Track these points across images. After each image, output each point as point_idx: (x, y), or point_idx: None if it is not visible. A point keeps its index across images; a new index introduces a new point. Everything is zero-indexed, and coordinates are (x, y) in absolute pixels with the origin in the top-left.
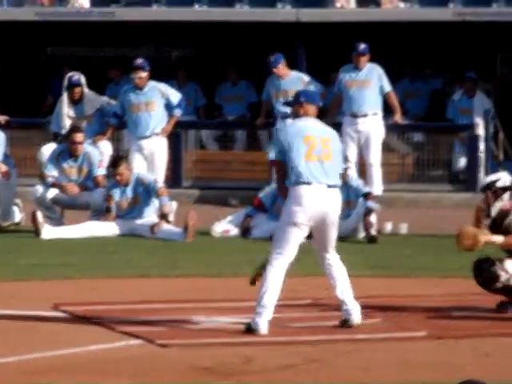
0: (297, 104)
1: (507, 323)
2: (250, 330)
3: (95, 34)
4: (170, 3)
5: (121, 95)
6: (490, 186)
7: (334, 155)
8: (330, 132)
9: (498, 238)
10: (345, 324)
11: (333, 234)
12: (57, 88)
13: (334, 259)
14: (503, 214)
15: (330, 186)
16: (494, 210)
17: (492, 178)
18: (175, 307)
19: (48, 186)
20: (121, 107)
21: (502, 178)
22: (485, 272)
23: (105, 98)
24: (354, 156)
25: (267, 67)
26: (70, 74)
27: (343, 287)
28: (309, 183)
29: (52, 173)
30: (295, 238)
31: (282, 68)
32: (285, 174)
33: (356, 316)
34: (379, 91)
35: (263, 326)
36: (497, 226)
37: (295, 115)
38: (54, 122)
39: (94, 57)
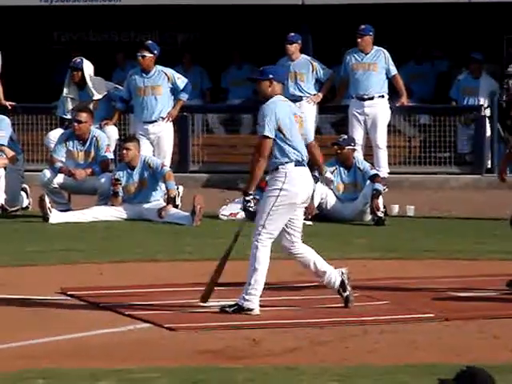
0: (265, 80)
1: None
2: (242, 309)
3: (100, 19)
4: None
5: (127, 79)
6: None
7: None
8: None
9: None
10: (346, 303)
11: (301, 218)
12: (63, 73)
13: (302, 247)
14: None
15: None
16: None
17: None
18: (183, 291)
19: (56, 170)
20: (127, 91)
21: None
22: None
23: (111, 83)
24: (360, 138)
25: (285, 42)
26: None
27: (317, 262)
28: (303, 164)
29: (60, 157)
30: (287, 219)
31: (296, 48)
32: (270, 155)
33: (336, 279)
34: (385, 74)
35: (257, 305)
36: None
37: (261, 91)
38: (59, 108)
39: (99, 42)
